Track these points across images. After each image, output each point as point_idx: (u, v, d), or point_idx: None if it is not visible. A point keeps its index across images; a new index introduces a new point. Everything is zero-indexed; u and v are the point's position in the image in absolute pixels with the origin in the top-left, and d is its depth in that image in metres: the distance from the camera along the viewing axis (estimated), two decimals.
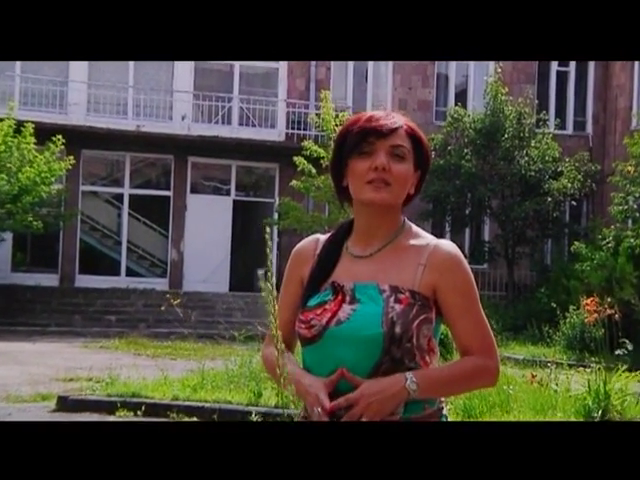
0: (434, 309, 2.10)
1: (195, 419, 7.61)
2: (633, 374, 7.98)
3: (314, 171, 16.80)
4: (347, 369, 2.04)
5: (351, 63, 21.68)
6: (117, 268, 20.93)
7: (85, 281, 20.06)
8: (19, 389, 9.29)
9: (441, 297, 2.10)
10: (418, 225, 2.24)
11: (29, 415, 7.92)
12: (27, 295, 18.82)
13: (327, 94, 16.81)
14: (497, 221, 20.15)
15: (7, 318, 17.25)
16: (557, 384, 8.28)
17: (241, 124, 20.95)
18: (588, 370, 8.02)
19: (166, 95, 21.04)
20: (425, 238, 2.15)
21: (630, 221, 17.26)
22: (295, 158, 16.96)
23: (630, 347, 9.63)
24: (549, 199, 19.42)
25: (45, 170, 17.31)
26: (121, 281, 20.35)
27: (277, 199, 20.39)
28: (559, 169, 19.66)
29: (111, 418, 7.80)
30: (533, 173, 19.39)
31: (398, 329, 2.03)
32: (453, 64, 22.26)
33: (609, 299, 9.41)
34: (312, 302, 2.14)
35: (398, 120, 2.13)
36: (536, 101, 21.26)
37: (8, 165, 17.07)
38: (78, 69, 19.97)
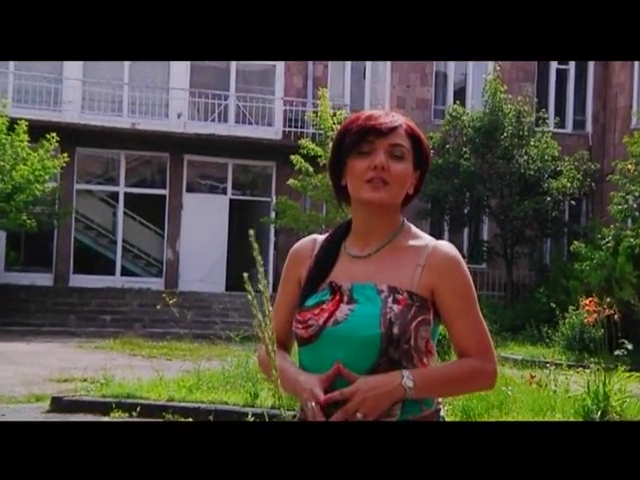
0: (432, 310, 2.10)
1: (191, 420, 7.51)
2: (633, 374, 7.97)
3: (311, 169, 16.72)
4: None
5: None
6: (112, 267, 20.82)
7: (80, 280, 19.93)
8: (13, 390, 9.22)
9: (439, 299, 2.09)
10: (416, 224, 2.24)
11: (23, 416, 7.86)
12: (21, 295, 18.69)
13: (324, 92, 16.72)
14: (496, 220, 20.10)
15: (1, 318, 17.12)
16: (556, 385, 8.27)
17: (238, 122, 20.85)
18: (587, 371, 8.02)
19: (162, 92, 20.91)
20: (424, 239, 2.15)
21: (630, 220, 17.26)
22: (292, 156, 16.88)
23: (629, 347, 9.54)
24: (548, 198, 19.38)
25: (39, 168, 17.17)
26: (116, 280, 20.24)
27: (274, 198, 20.32)
28: (558, 168, 19.64)
29: (106, 419, 7.71)
30: (532, 172, 19.36)
31: (396, 330, 2.02)
32: (452, 62, 22.16)
33: (608, 299, 9.36)
34: (309, 302, 2.13)
35: (397, 119, 2.13)
36: (535, 99, 21.24)
37: (1, 163, 16.95)
38: (73, 66, 19.82)
